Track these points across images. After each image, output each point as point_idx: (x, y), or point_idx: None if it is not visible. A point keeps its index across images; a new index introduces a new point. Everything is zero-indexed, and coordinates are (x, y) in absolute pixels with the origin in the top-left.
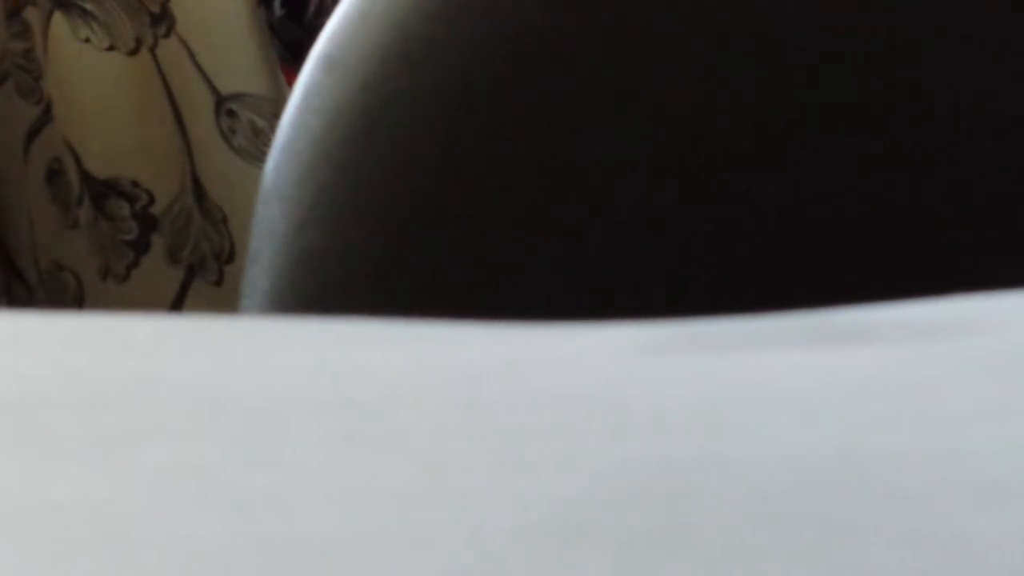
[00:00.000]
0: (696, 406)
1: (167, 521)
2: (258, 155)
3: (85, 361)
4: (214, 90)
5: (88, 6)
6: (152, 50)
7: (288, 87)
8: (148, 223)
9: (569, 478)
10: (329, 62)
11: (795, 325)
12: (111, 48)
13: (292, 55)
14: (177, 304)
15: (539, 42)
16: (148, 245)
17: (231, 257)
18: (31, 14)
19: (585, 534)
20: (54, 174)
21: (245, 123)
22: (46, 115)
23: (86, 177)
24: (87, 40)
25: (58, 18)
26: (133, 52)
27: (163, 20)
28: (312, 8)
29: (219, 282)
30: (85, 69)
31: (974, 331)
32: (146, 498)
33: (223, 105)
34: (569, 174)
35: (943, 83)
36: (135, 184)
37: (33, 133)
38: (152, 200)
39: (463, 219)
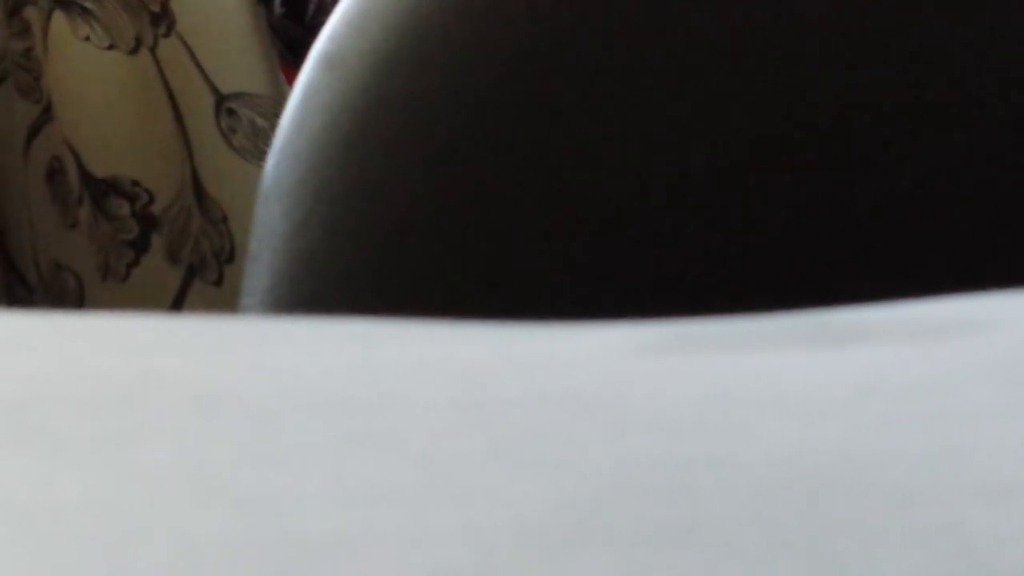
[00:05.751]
0: (696, 406)
1: (167, 520)
2: (258, 155)
3: (85, 361)
4: (214, 90)
5: (88, 5)
6: (152, 49)
7: (288, 87)
8: (148, 222)
9: (568, 477)
10: (329, 62)
11: (795, 325)
12: (111, 47)
13: (292, 55)
14: (177, 304)
15: (538, 43)
16: (148, 245)
17: (231, 257)
18: (31, 14)
19: (584, 533)
20: (54, 174)
21: (245, 123)
22: (46, 114)
23: (86, 176)
24: (87, 39)
25: (58, 17)
26: (133, 51)
27: (163, 19)
28: (312, 8)
29: (219, 282)
30: (85, 68)
31: (974, 331)
32: (146, 497)
33: (223, 105)
34: (568, 174)
35: (944, 83)
36: (135, 184)
37: (33, 133)
38: (152, 199)
39: (462, 219)
